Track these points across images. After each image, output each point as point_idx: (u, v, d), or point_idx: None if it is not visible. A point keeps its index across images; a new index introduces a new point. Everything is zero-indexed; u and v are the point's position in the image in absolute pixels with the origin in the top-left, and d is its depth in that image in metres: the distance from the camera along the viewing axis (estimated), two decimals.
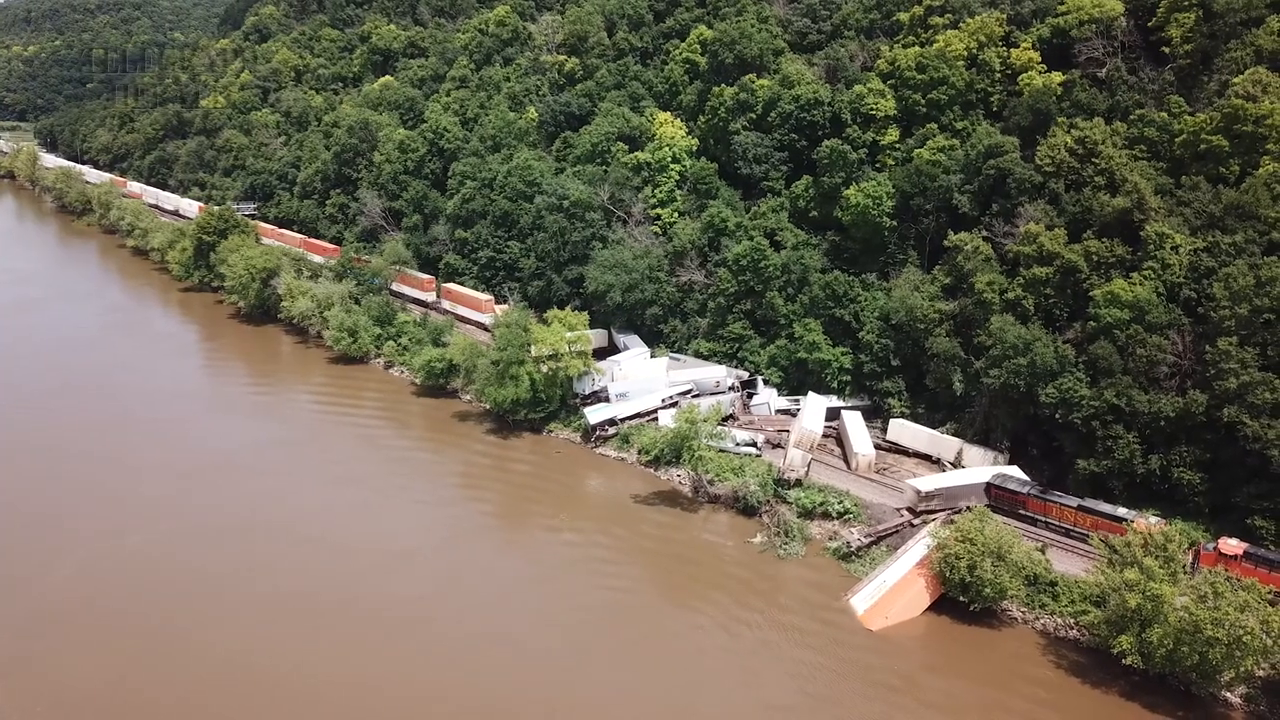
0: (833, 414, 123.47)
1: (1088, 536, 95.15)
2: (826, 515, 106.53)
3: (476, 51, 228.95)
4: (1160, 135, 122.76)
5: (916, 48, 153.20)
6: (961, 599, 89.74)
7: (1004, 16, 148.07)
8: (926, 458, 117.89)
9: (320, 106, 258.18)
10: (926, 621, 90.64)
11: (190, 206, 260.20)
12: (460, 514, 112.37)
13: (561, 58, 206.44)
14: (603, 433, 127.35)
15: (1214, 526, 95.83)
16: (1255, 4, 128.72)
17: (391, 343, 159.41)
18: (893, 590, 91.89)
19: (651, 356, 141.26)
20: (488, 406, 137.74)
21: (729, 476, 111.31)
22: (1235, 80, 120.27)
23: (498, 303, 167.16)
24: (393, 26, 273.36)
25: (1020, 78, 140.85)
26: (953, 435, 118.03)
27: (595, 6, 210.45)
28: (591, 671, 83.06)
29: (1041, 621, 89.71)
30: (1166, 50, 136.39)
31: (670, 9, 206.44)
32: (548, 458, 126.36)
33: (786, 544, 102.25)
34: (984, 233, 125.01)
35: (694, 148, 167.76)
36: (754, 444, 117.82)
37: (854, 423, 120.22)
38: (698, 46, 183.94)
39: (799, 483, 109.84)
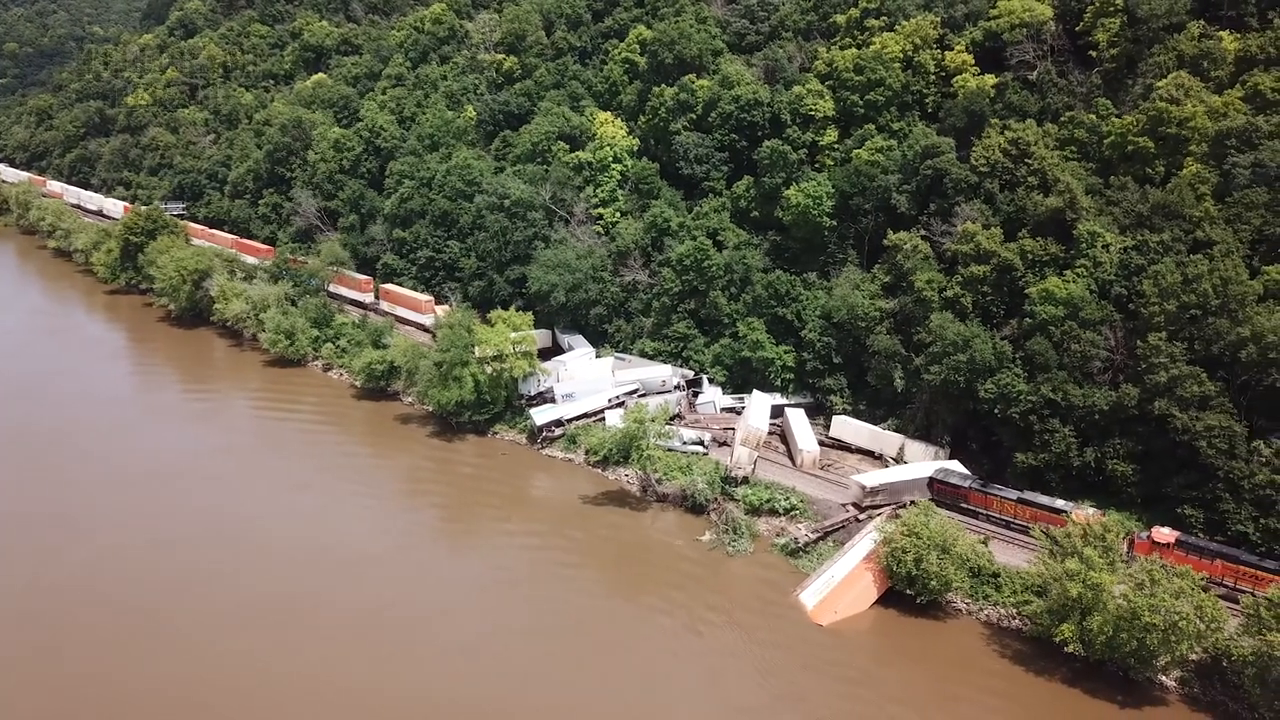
0: (776, 411, 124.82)
1: (1028, 529, 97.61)
2: (773, 512, 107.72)
3: (412, 49, 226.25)
4: (1089, 136, 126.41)
5: (853, 49, 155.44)
6: (908, 592, 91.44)
7: (938, 20, 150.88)
8: (869, 454, 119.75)
9: (251, 104, 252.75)
10: (874, 615, 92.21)
11: (115, 206, 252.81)
12: (412, 518, 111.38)
13: (500, 56, 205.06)
14: (549, 434, 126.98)
15: (1146, 516, 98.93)
16: (1177, 10, 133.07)
17: (330, 345, 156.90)
18: (841, 585, 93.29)
19: (597, 356, 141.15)
20: (430, 409, 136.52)
21: (676, 475, 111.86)
22: (1158, 84, 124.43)
23: (438, 303, 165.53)
24: (325, 23, 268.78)
25: (955, 80, 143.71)
26: (894, 431, 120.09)
27: (533, 5, 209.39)
28: (554, 675, 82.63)
29: (985, 613, 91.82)
30: (1094, 54, 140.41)
31: (608, 9, 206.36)
32: (494, 459, 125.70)
33: (735, 541, 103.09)
34: (922, 232, 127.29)
35: (635, 148, 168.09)
36: (701, 443, 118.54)
37: (798, 420, 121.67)
38: (637, 46, 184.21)
39: (746, 480, 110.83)
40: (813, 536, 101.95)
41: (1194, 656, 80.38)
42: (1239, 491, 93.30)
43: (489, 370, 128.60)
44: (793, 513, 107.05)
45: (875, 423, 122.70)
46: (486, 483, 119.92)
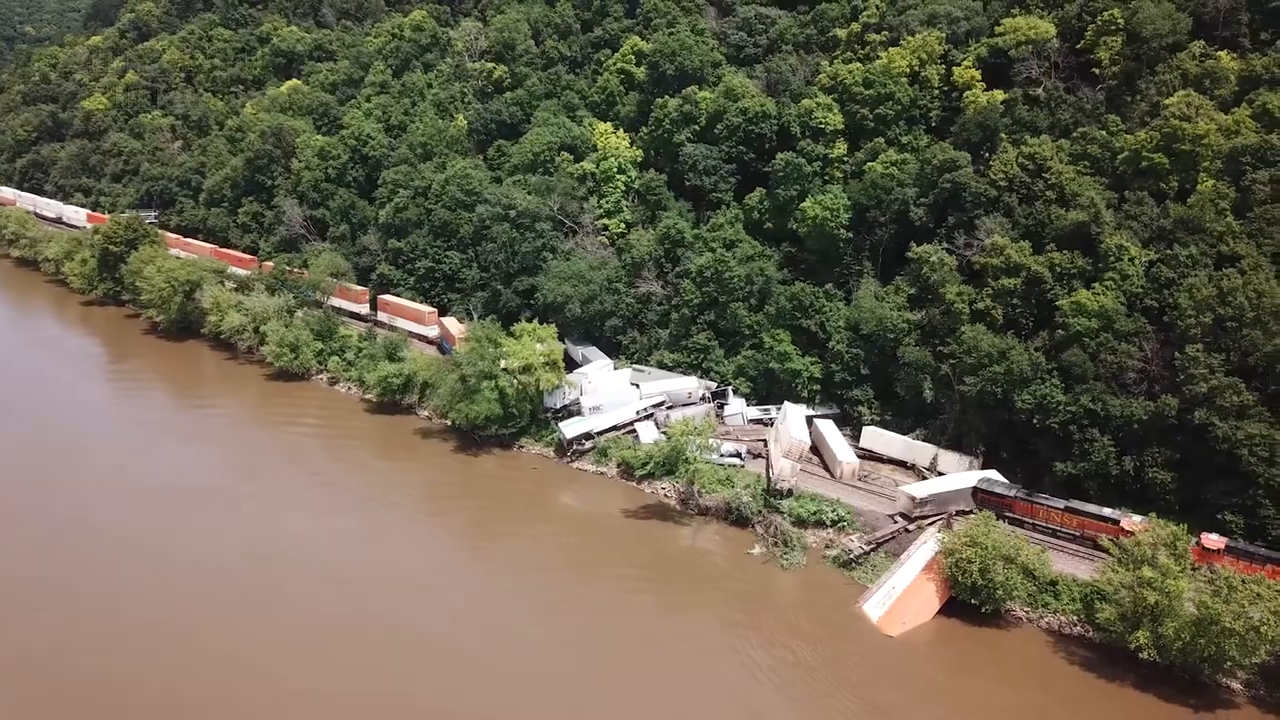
0: (806, 423, 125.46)
1: (1076, 536, 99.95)
2: (820, 524, 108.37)
3: (393, 57, 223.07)
4: (1102, 152, 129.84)
5: (858, 64, 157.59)
6: (972, 601, 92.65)
7: (943, 35, 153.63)
8: (901, 464, 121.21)
9: (221, 110, 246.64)
10: (938, 625, 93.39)
11: (75, 214, 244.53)
12: (452, 536, 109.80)
13: (490, 65, 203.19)
14: (579, 447, 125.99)
15: (1184, 522, 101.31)
16: (1178, 30, 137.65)
17: (336, 358, 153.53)
18: (904, 596, 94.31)
19: (615, 369, 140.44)
20: (449, 422, 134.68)
21: (717, 488, 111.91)
22: (1168, 101, 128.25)
23: (441, 315, 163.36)
24: (294, 28, 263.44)
25: (965, 95, 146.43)
26: (923, 441, 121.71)
27: (521, 14, 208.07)
28: (628, 698, 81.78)
29: (1045, 620, 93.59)
30: (1096, 71, 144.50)
31: (597, 19, 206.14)
32: (525, 474, 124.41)
33: (787, 554, 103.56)
34: (944, 245, 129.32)
35: (638, 159, 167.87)
36: (739, 455, 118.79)
37: (830, 431, 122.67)
38: (633, 57, 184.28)
39: (790, 493, 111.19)
40: (866, 548, 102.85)
41: (1257, 660, 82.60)
42: (1278, 498, 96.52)
43: (515, 383, 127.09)
44: (840, 524, 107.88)
45: (903, 433, 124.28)
46: (522, 498, 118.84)
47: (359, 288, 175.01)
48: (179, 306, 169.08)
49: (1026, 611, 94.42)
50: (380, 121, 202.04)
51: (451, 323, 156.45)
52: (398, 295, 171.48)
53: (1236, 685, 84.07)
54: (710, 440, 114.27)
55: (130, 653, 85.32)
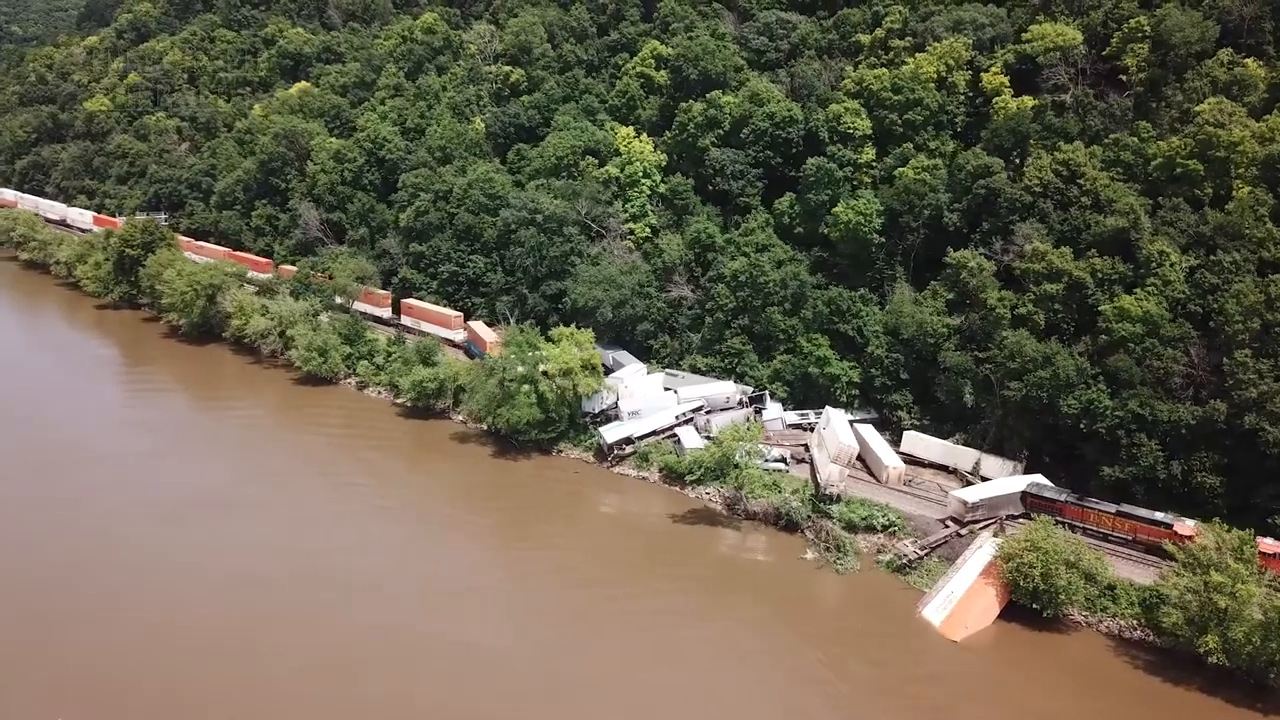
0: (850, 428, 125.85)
1: (1128, 540, 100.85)
2: (871, 529, 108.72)
3: (405, 59, 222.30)
4: (1135, 159, 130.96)
5: (884, 69, 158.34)
6: (1033, 606, 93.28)
7: (970, 42, 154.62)
8: (942, 468, 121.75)
9: (229, 112, 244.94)
10: (998, 629, 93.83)
11: (81, 216, 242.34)
12: (500, 540, 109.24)
13: (507, 68, 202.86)
14: (619, 452, 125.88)
15: (1233, 526, 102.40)
16: (1206, 38, 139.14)
17: (365, 362, 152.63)
18: (964, 600, 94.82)
19: (648, 373, 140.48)
20: (485, 427, 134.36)
21: (765, 493, 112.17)
22: (1200, 108, 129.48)
23: (468, 319, 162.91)
24: (300, 30, 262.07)
25: (994, 101, 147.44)
26: (964, 446, 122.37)
27: (536, 17, 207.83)
28: (709, 714, 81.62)
29: (1104, 624, 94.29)
30: (1124, 78, 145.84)
31: (613, 22, 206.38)
32: (567, 479, 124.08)
33: (841, 559, 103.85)
34: (981, 250, 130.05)
35: (663, 163, 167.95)
36: (784, 460, 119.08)
37: (873, 436, 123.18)
38: (653, 61, 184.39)
39: (839, 498, 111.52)
40: (920, 553, 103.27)
41: None
42: None
43: (555, 388, 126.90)
44: (891, 529, 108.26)
45: (942, 438, 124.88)
46: (566, 503, 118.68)
47: (382, 292, 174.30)
48: (201, 310, 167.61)
49: (1085, 616, 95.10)
50: (396, 124, 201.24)
51: (479, 327, 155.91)
52: (420, 299, 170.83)
53: None
54: (759, 446, 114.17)
55: (172, 667, 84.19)
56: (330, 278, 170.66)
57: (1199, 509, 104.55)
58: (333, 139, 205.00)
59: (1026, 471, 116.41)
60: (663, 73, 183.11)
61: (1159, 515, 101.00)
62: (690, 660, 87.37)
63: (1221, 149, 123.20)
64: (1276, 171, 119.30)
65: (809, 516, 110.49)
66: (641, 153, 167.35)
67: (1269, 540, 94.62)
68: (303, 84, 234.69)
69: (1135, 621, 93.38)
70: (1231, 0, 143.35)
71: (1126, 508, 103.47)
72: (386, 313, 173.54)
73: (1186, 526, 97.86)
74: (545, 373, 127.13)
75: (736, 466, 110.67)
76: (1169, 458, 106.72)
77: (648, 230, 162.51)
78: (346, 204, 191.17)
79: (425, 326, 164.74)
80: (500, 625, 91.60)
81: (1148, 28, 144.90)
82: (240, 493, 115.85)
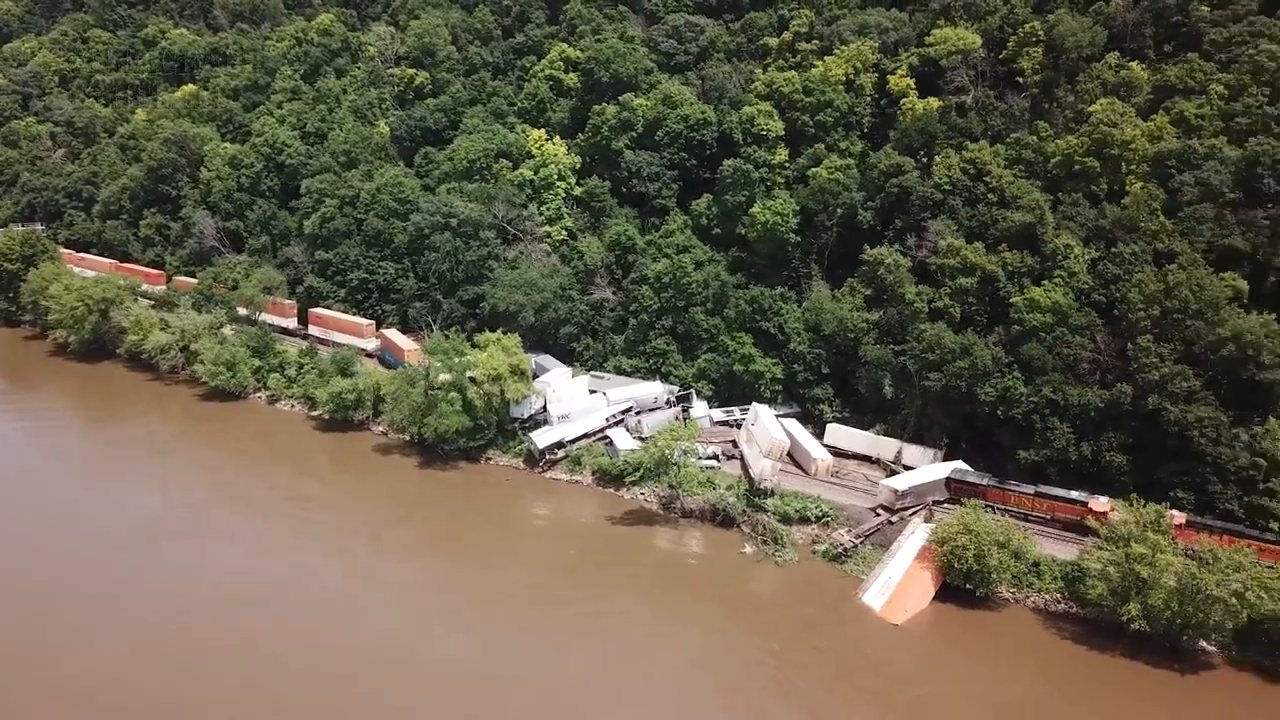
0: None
1: (1046, 519, 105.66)
2: (805, 520, 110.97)
3: (301, 62, 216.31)
4: (1035, 156, 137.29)
5: (793, 72, 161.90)
6: (967, 586, 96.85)
7: (875, 45, 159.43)
8: (866, 458, 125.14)
9: (109, 117, 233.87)
10: (934, 610, 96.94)
11: None
12: (440, 551, 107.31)
13: (410, 71, 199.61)
14: (551, 456, 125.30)
15: (1140, 501, 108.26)
16: (1095, 42, 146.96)
17: (276, 375, 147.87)
18: (902, 584, 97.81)
19: (573, 376, 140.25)
20: (408, 437, 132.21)
21: (701, 490, 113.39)
22: (1093, 108, 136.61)
23: (380, 327, 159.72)
24: (184, 31, 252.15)
25: (902, 102, 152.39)
26: (885, 436, 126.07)
27: (440, 19, 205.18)
28: (664, 708, 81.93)
29: (1031, 599, 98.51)
30: (1020, 80, 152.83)
31: (518, 25, 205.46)
32: (499, 486, 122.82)
33: (779, 551, 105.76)
34: (896, 247, 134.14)
35: (576, 165, 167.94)
36: (716, 457, 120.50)
37: (799, 431, 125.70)
38: (561, 64, 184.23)
39: (772, 492, 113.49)
40: (856, 541, 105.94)
41: (1230, 624, 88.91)
42: (1225, 475, 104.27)
43: (483, 394, 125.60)
44: (824, 520, 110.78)
45: (863, 429, 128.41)
46: (503, 510, 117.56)
47: (287, 301, 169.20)
48: (93, 326, 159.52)
49: (1013, 593, 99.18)
50: (295, 129, 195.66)
51: (395, 335, 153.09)
52: (328, 308, 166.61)
53: (1212, 648, 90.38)
54: (694, 445, 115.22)
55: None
56: (233, 288, 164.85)
57: (1108, 487, 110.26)
58: (227, 144, 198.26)
59: (946, 458, 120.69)
60: (572, 75, 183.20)
61: (1074, 494, 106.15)
62: (641, 660, 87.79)
63: (1115, 147, 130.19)
64: (1166, 168, 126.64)
65: (744, 511, 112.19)
66: (556, 155, 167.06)
67: (1175, 513, 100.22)
68: (190, 87, 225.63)
69: (1059, 595, 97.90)
70: (1116, 7, 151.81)
71: (1044, 488, 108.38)
72: (292, 323, 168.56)
73: (1100, 503, 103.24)
74: (473, 379, 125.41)
75: (675, 465, 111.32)
76: (1080, 439, 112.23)
77: (564, 233, 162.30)
78: (245, 211, 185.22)
79: (335, 336, 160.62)
80: (451, 637, 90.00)
81: (1041, 32, 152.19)
82: (173, 522, 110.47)
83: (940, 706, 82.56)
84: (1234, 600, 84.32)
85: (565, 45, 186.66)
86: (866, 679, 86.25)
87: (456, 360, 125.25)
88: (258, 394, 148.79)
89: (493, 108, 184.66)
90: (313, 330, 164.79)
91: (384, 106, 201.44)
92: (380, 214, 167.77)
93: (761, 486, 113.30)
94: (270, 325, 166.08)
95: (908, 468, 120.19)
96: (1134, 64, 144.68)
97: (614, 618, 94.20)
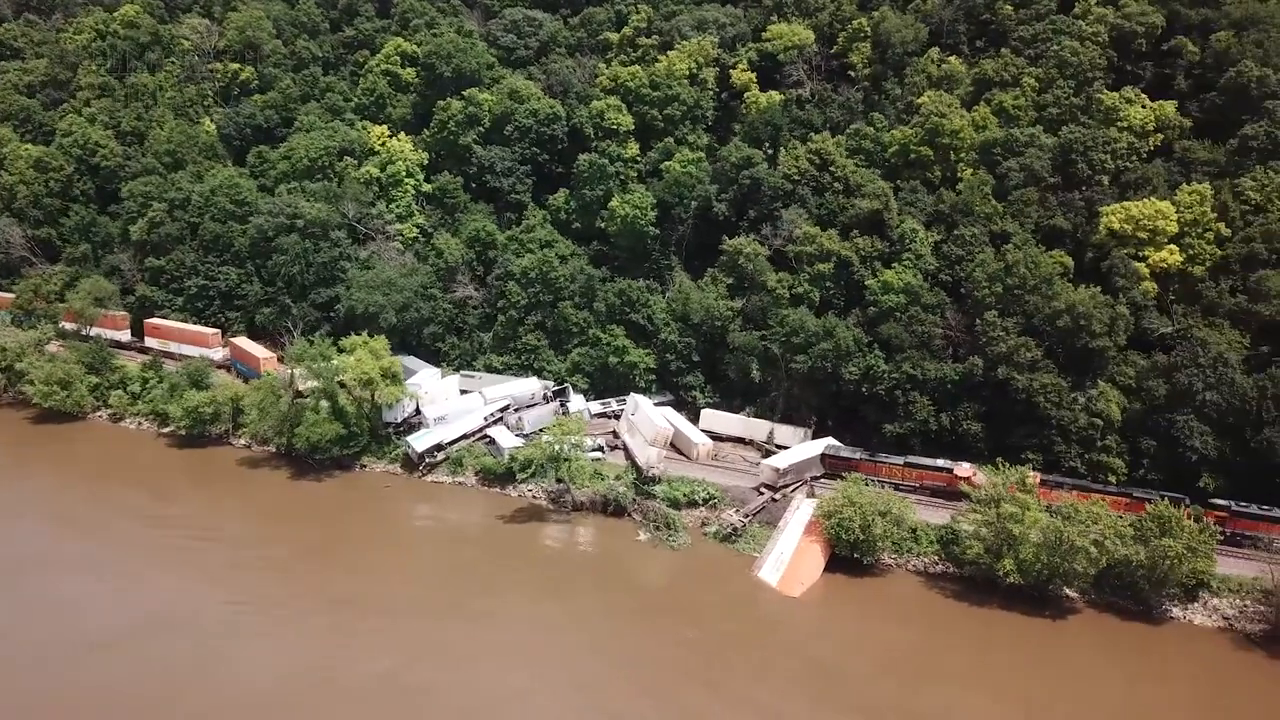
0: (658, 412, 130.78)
1: (916, 488, 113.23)
2: (693, 504, 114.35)
3: (107, 56, 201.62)
4: (873, 146, 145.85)
5: (636, 66, 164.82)
6: (854, 555, 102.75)
7: (715, 40, 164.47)
8: (739, 440, 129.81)
9: None
10: (825, 581, 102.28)
11: None
12: (327, 566, 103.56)
13: (235, 66, 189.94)
14: (431, 459, 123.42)
15: (994, 464, 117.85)
16: (918, 38, 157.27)
17: (118, 392, 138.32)
18: (794, 559, 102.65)
19: (443, 376, 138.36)
20: (274, 449, 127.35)
21: (590, 482, 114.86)
22: (920, 100, 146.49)
23: (226, 336, 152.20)
24: None
25: (745, 96, 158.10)
26: (756, 418, 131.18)
27: (261, 11, 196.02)
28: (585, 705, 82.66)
29: (911, 564, 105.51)
30: (852, 74, 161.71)
31: (346, 18, 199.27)
32: (379, 493, 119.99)
33: (673, 536, 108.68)
34: (753, 236, 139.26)
35: (424, 162, 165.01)
36: (600, 448, 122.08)
37: (677, 418, 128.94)
38: (398, 59, 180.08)
39: (659, 479, 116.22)
40: (744, 520, 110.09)
41: (1089, 570, 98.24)
42: (1068, 435, 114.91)
43: (354, 400, 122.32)
44: (711, 502, 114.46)
45: (734, 412, 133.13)
46: (387, 518, 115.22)
47: (118, 313, 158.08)
48: None
49: (895, 558, 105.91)
50: (109, 128, 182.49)
51: (246, 343, 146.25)
52: (165, 318, 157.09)
53: (1074, 594, 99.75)
54: (581, 438, 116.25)
55: None
56: (51, 302, 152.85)
57: (966, 453, 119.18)
58: (29, 145, 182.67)
59: (815, 436, 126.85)
60: (410, 70, 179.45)
61: (940, 462, 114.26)
62: (559, 662, 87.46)
63: (946, 136, 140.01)
64: (992, 155, 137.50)
65: (634, 500, 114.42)
66: (402, 152, 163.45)
67: (1031, 472, 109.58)
68: None
69: (937, 557, 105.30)
70: (933, 4, 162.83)
71: (913, 459, 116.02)
72: (125, 335, 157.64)
73: (964, 469, 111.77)
74: (342, 385, 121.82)
75: (566, 460, 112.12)
76: (938, 411, 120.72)
77: (416, 230, 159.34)
78: (59, 218, 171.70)
79: (177, 348, 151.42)
80: (351, 656, 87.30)
81: (868, 28, 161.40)
82: (18, 556, 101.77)
83: (843, 665, 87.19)
84: (1094, 549, 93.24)
85: (401, 40, 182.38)
86: (766, 650, 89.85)
87: (324, 366, 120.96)
88: (98, 413, 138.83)
89: (328, 104, 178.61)
90: (149, 342, 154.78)
91: (205, 104, 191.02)
92: (217, 217, 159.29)
93: (649, 474, 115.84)
94: (82, 337, 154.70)
95: (781, 447, 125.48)
96: (953, 58, 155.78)
97: (520, 620, 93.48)
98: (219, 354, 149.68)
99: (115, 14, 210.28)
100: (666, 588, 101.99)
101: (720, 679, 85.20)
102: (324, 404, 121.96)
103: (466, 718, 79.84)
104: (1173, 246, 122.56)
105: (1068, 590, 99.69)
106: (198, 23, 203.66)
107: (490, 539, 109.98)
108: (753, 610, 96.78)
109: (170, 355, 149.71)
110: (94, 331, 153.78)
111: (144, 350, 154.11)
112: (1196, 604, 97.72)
